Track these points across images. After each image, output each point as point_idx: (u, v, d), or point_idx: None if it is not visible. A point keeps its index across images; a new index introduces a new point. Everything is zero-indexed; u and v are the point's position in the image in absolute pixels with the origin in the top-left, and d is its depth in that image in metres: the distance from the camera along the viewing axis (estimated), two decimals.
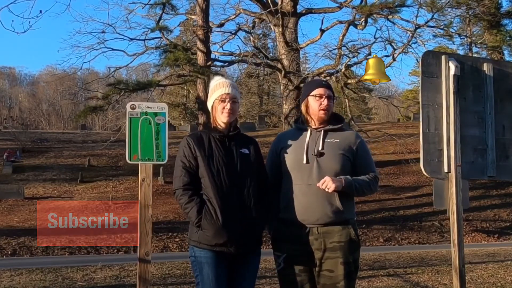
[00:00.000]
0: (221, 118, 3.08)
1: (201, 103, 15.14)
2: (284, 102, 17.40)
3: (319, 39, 17.41)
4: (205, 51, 15.42)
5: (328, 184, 2.95)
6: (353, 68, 17.70)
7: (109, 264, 8.67)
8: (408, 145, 20.24)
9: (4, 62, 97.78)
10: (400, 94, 44.07)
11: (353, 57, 16.82)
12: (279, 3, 16.99)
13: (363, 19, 16.23)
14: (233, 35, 17.95)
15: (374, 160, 3.36)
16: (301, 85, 14.74)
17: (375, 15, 15.82)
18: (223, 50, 18.00)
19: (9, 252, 10.69)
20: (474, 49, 26.82)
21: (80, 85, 36.13)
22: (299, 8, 18.56)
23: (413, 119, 33.90)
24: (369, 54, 15.99)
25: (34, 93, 58.41)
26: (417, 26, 15.78)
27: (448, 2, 17.33)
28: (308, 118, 3.21)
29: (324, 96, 3.14)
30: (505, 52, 27.38)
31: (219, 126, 3.11)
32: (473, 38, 25.32)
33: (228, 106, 3.06)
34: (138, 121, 3.40)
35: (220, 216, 2.90)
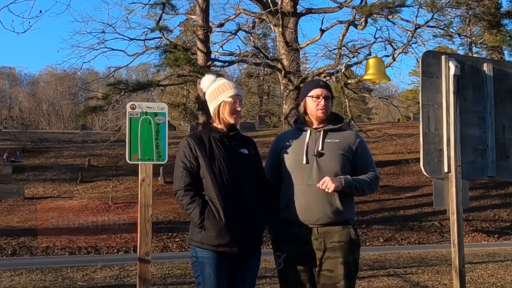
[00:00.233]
0: (229, 120, 3.08)
1: (201, 103, 15.11)
2: (284, 102, 17.41)
3: (319, 39, 17.43)
4: (205, 51, 15.42)
5: (327, 184, 2.95)
6: (353, 68, 17.72)
7: (109, 264, 8.67)
8: (408, 145, 20.24)
9: (4, 62, 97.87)
10: (400, 94, 44.12)
11: (353, 57, 16.84)
12: (279, 3, 16.99)
13: (363, 19, 16.23)
14: (233, 35, 17.96)
15: (374, 160, 3.36)
16: (301, 85, 14.74)
17: (375, 15, 15.82)
18: (223, 50, 18.03)
19: (9, 252, 10.69)
20: (474, 49, 26.84)
21: (80, 85, 36.15)
22: (299, 8, 18.59)
23: (413, 119, 33.90)
24: (369, 54, 15.99)
25: (34, 93, 58.41)
26: (417, 26, 15.78)
27: (448, 2, 17.33)
28: (307, 118, 3.22)
29: (321, 97, 3.14)
30: (505, 52, 27.42)
31: (219, 126, 3.11)
32: (473, 38, 25.32)
33: (238, 108, 3.09)
34: (138, 121, 3.40)
35: (223, 217, 2.90)
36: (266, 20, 18.67)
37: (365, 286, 6.80)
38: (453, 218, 3.62)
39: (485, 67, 3.77)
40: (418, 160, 3.94)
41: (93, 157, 23.98)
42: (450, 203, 3.68)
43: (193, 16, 17.99)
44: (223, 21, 18.32)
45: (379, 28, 17.28)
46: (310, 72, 17.16)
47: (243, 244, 2.98)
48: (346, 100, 17.54)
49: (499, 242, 14.23)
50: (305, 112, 3.22)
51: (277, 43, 19.39)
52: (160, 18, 16.90)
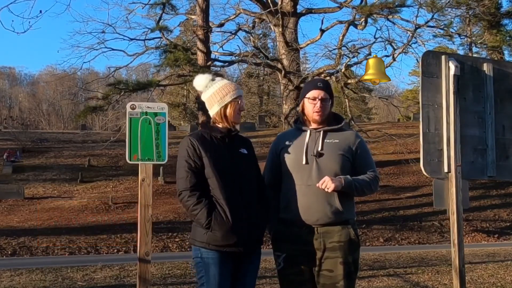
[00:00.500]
0: (236, 120, 3.11)
1: (201, 103, 15.08)
2: (284, 102, 17.41)
3: (319, 39, 17.45)
4: (205, 51, 15.42)
5: (327, 184, 2.95)
6: (353, 68, 17.73)
7: (109, 264, 8.66)
8: (408, 145, 20.24)
9: (4, 62, 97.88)
10: (400, 94, 44.14)
11: (353, 57, 16.84)
12: (279, 3, 17.00)
13: (363, 19, 16.24)
14: (233, 35, 17.97)
15: (374, 160, 3.36)
16: (301, 85, 14.75)
17: (375, 15, 15.83)
18: (223, 50, 18.04)
19: (9, 252, 10.68)
20: (474, 49, 26.84)
21: (80, 85, 36.16)
22: (299, 8, 18.60)
23: (413, 119, 33.91)
24: (369, 54, 15.99)
25: (34, 93, 58.44)
26: (417, 26, 15.79)
27: (448, 2, 17.33)
28: (306, 119, 3.22)
29: (317, 99, 3.13)
30: (505, 52, 27.41)
31: (220, 126, 3.10)
32: (473, 38, 25.32)
33: (243, 107, 3.11)
34: (138, 121, 3.40)
35: (230, 217, 2.90)
36: (266, 20, 18.68)
37: (365, 286, 6.79)
38: (453, 218, 3.62)
39: (485, 67, 3.77)
40: (418, 160, 3.94)
41: (93, 157, 23.98)
42: (450, 203, 3.68)
43: (193, 16, 18.00)
44: (223, 21, 18.35)
45: (379, 28, 17.31)
46: (310, 72, 17.17)
47: (247, 244, 2.99)
48: (346, 100, 17.53)
49: (499, 242, 14.23)
50: (303, 113, 3.23)
51: (277, 43, 19.40)
52: (160, 18, 16.92)
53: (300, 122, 3.26)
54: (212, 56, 16.37)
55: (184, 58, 14.70)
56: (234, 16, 18.43)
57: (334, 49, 17.03)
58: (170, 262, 8.75)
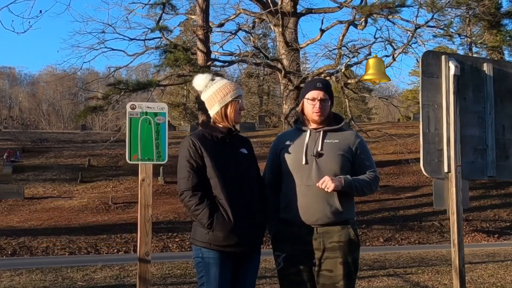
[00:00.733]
0: (237, 119, 3.11)
1: (201, 103, 15.08)
2: (284, 102, 17.40)
3: (319, 39, 17.44)
4: (205, 51, 15.41)
5: (327, 183, 2.95)
6: (353, 68, 17.72)
7: (109, 264, 8.66)
8: (408, 145, 20.24)
9: (4, 62, 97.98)
10: (400, 94, 44.09)
11: (353, 57, 16.84)
12: (279, 3, 17.00)
13: (363, 19, 16.23)
14: (233, 35, 17.96)
15: (374, 160, 3.35)
16: (301, 85, 14.75)
17: (375, 15, 15.82)
18: (223, 50, 18.03)
19: (9, 252, 10.68)
20: (474, 49, 26.85)
21: (80, 85, 36.12)
22: (299, 8, 18.59)
23: (413, 119, 33.92)
24: (369, 54, 15.99)
25: (34, 93, 58.45)
26: (417, 26, 15.79)
27: (448, 2, 17.33)
28: (306, 119, 3.22)
29: (316, 100, 3.12)
30: (505, 52, 27.42)
31: (221, 126, 3.10)
32: (473, 38, 25.32)
33: (243, 107, 3.12)
34: (138, 121, 3.40)
35: (232, 217, 2.90)
36: (266, 20, 18.68)
37: (365, 286, 6.79)
38: (453, 218, 3.61)
39: (485, 67, 3.77)
40: (418, 160, 3.94)
41: (93, 157, 23.99)
42: (450, 203, 3.67)
43: (193, 16, 17.99)
44: (223, 21, 18.34)
45: (379, 28, 17.31)
46: (310, 72, 17.16)
47: (247, 244, 2.99)
48: (346, 100, 17.53)
49: (499, 242, 14.23)
50: (303, 113, 3.22)
51: (277, 43, 19.40)
52: (160, 18, 16.91)
53: (300, 122, 3.26)
54: (212, 56, 16.37)
55: (184, 58, 14.69)
56: (234, 16, 18.43)
57: (334, 49, 17.04)
58: (170, 262, 8.75)
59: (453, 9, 19.24)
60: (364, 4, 16.48)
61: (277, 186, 3.20)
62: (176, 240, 12.33)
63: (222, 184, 2.94)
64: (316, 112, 3.12)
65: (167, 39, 16.84)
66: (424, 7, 15.97)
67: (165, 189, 19.07)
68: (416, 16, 16.36)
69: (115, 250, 11.33)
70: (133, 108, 3.40)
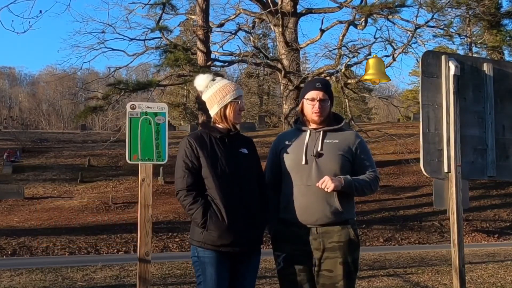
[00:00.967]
0: (237, 119, 3.12)
1: (201, 103, 15.08)
2: (284, 102, 17.41)
3: (319, 39, 17.44)
4: (205, 51, 15.42)
5: (327, 183, 2.95)
6: (353, 68, 17.73)
7: (109, 264, 8.66)
8: (408, 145, 20.25)
9: (4, 62, 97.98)
10: (400, 94, 44.11)
11: (353, 57, 16.84)
12: (279, 3, 16.99)
13: (363, 19, 16.23)
14: (233, 35, 17.97)
15: (374, 160, 3.35)
16: (301, 85, 14.75)
17: (375, 15, 15.83)
18: (223, 50, 18.04)
19: (9, 252, 10.68)
20: (474, 49, 26.86)
21: (80, 85, 36.15)
22: (299, 8, 18.59)
23: (413, 119, 33.93)
24: (369, 54, 16.00)
25: (34, 93, 58.45)
26: (417, 26, 15.79)
27: (448, 2, 17.34)
28: (305, 119, 3.22)
29: (316, 100, 3.12)
30: (505, 52, 27.43)
31: (220, 126, 3.10)
32: (473, 38, 25.34)
33: (243, 108, 3.13)
34: (138, 121, 3.39)
35: (226, 217, 2.91)
36: (266, 20, 18.68)
37: (365, 286, 6.79)
38: (453, 218, 3.61)
39: (485, 67, 3.77)
40: (418, 160, 3.94)
41: (93, 157, 23.99)
42: (450, 203, 3.67)
43: (193, 16, 18.00)
44: (223, 21, 18.34)
45: (379, 28, 17.31)
46: (310, 72, 17.16)
47: (245, 244, 2.99)
48: (346, 100, 17.54)
49: (499, 242, 14.23)
50: (303, 113, 3.22)
51: (277, 43, 19.39)
52: (160, 18, 16.92)
53: (300, 122, 3.26)
54: (212, 56, 16.37)
55: (184, 58, 14.70)
56: (234, 16, 18.43)
57: (334, 49, 17.04)
58: (170, 262, 8.75)
59: (453, 9, 19.25)
60: (364, 4, 16.49)
61: (277, 186, 3.19)
62: (176, 240, 12.33)
63: (217, 184, 2.94)
64: (315, 112, 3.12)
65: (167, 39, 16.84)
66: (424, 7, 15.98)
67: (165, 189, 19.07)
68: (416, 16, 16.41)
69: (115, 250, 11.33)
70: (133, 108, 3.40)
